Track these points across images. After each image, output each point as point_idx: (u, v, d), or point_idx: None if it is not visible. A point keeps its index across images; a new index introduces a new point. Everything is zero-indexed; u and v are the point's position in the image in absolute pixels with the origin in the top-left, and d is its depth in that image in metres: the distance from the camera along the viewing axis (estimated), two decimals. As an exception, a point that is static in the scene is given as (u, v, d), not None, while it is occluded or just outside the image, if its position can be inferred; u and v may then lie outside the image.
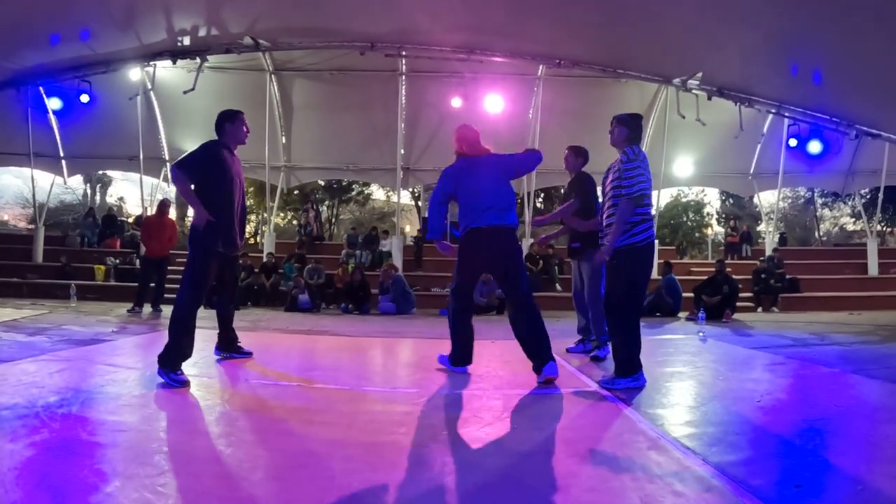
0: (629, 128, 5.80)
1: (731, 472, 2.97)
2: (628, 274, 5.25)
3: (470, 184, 5.88)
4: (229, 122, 5.94)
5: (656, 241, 19.08)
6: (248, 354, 6.41)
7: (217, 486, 2.76)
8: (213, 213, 5.49)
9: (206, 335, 6.94)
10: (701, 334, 9.20)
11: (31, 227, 24.29)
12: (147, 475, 2.80)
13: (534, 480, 2.85)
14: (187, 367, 5.17)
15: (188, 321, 5.26)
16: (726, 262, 16.56)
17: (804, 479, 2.95)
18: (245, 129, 6.04)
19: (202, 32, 15.27)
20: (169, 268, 12.77)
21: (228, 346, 6.34)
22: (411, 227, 33.89)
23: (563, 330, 8.41)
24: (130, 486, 2.68)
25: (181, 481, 2.78)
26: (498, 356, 7.06)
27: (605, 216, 5.53)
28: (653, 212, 6.49)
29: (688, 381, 5.58)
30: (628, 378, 5.12)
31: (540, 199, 32.14)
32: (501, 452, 3.29)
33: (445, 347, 7.32)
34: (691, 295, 13.67)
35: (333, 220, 39.38)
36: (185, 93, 16.63)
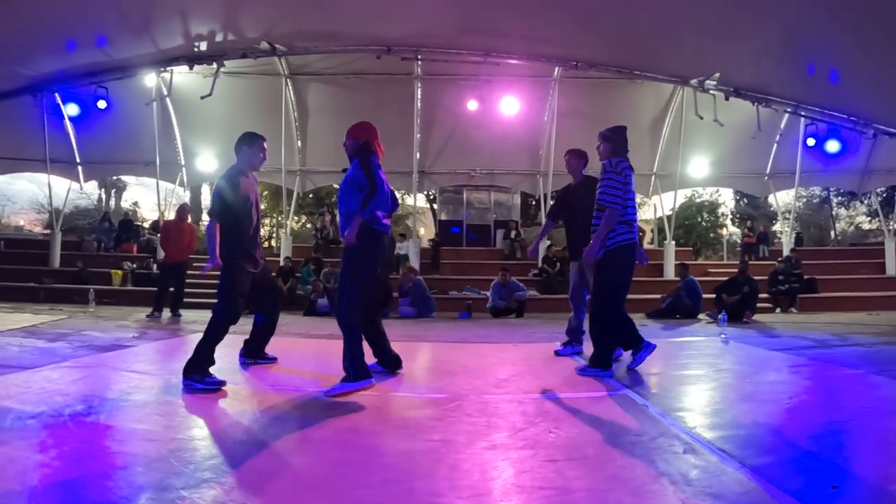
0: (612, 142, 6.29)
1: (767, 473, 2.97)
2: (604, 274, 5.98)
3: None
4: (247, 146, 5.95)
5: (672, 243, 19.26)
6: (273, 360, 6.42)
7: (254, 495, 2.75)
8: (236, 238, 5.59)
9: (228, 340, 6.96)
10: (723, 336, 9.17)
11: (46, 231, 24.42)
12: (182, 486, 2.80)
13: (575, 485, 2.85)
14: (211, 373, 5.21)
15: (222, 333, 5.32)
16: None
17: (839, 480, 2.95)
18: (262, 156, 6.03)
19: (219, 38, 15.30)
20: (188, 272, 12.79)
21: (254, 353, 6.34)
22: (426, 231, 33.84)
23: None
24: (165, 497, 2.68)
25: (217, 492, 2.77)
26: (522, 360, 7.06)
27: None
28: (643, 215, 6.56)
29: (714, 384, 5.58)
30: (599, 370, 5.89)
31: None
32: (539, 458, 3.27)
33: (469, 351, 7.32)
34: (711, 296, 13.61)
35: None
36: (202, 98, 16.65)
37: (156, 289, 13.06)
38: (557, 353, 7.41)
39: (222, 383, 4.96)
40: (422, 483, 2.90)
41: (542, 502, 2.65)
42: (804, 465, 3.22)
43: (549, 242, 18.88)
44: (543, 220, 20.01)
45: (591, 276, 6.89)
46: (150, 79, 17.62)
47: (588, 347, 7.07)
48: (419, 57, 16.75)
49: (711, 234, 41.36)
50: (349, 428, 3.95)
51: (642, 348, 6.06)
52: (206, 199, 34.53)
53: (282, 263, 17.10)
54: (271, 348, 6.61)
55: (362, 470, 3.10)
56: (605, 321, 5.99)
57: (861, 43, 12.43)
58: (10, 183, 32.88)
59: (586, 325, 7.07)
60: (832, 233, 39.74)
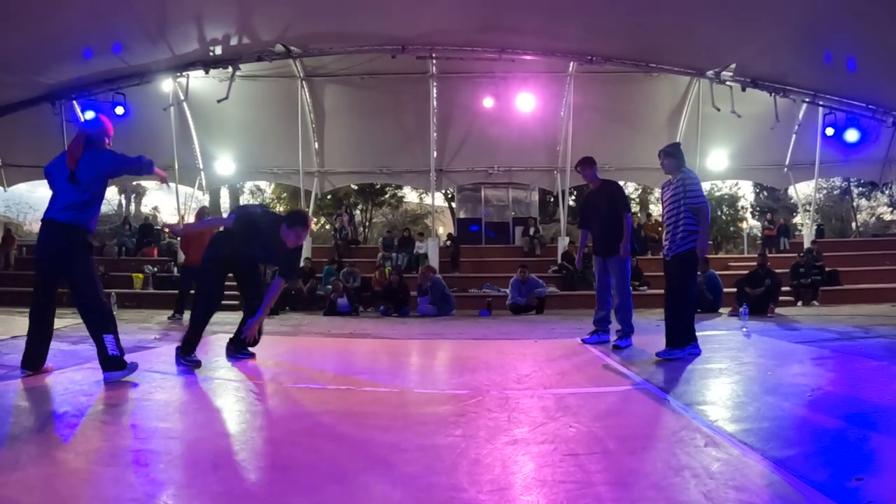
0: (675, 157, 6.92)
1: (790, 466, 2.94)
2: (689, 270, 6.74)
3: None
4: (286, 224, 6.13)
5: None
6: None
7: (278, 492, 2.75)
8: None
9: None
10: (744, 329, 9.14)
11: (68, 237, 24.60)
12: (204, 483, 2.81)
13: (597, 479, 2.84)
14: (232, 372, 5.24)
15: None
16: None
17: (863, 471, 2.91)
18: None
19: (234, 41, 15.36)
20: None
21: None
22: (445, 229, 33.85)
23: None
24: (186, 493, 2.69)
25: (240, 488, 2.78)
26: (543, 355, 7.04)
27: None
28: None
29: (736, 377, 5.53)
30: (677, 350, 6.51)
31: (573, 196, 31.98)
32: (560, 452, 3.26)
33: (490, 348, 7.31)
34: (733, 290, 13.53)
35: (367, 223, 39.45)
36: (218, 101, 16.74)
37: (176, 291, 13.11)
38: (584, 342, 7.92)
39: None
40: (443, 478, 2.89)
41: (563, 496, 2.63)
42: (828, 457, 3.19)
43: (568, 239, 18.85)
44: (562, 217, 20.11)
45: (615, 270, 7.78)
46: (166, 84, 17.75)
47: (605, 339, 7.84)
48: (434, 55, 16.77)
49: (731, 228, 41.09)
50: (370, 424, 3.96)
51: (694, 346, 6.65)
52: (224, 202, 34.76)
53: (301, 264, 17.14)
54: (293, 347, 6.67)
55: (384, 465, 3.10)
56: (684, 309, 6.66)
57: (878, 29, 12.33)
58: (32, 191, 33.09)
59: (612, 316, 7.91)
60: (853, 224, 39.35)
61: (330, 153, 20.60)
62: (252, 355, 6.57)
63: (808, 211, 22.11)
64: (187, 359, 6.01)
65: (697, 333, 6.70)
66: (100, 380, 5.26)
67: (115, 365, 5.19)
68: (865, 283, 17.06)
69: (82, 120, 17.25)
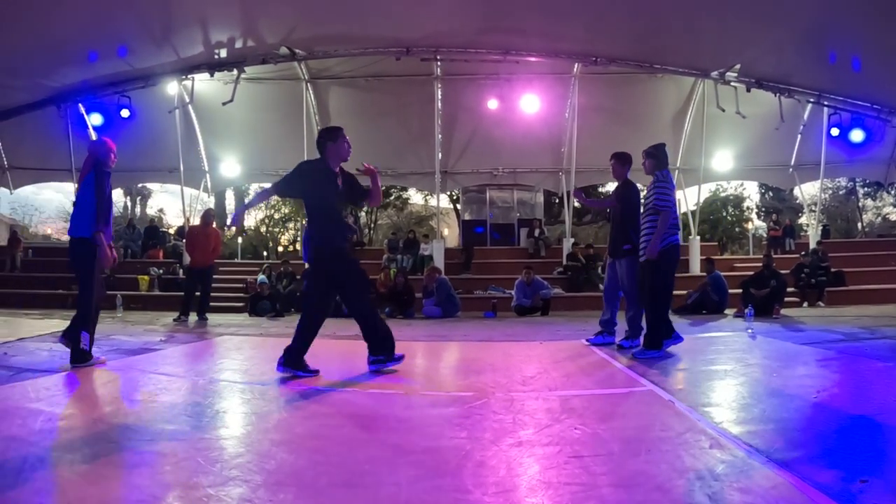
0: (655, 157, 7.12)
1: (795, 468, 2.93)
2: (662, 270, 6.83)
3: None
4: (331, 141, 6.02)
5: (697, 239, 19.14)
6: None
7: (280, 493, 2.74)
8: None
9: (254, 342, 6.97)
10: (750, 331, 9.12)
11: (74, 239, 24.68)
12: (209, 485, 2.80)
13: (601, 481, 2.84)
14: (238, 374, 5.24)
15: None
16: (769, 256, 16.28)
17: (869, 473, 2.90)
18: (347, 146, 6.13)
19: (238, 44, 15.42)
20: (213, 276, 12.87)
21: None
22: (450, 231, 33.83)
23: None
24: (192, 495, 2.68)
25: (243, 490, 2.77)
26: (548, 357, 7.04)
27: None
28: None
29: (742, 379, 5.51)
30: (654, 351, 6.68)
31: (577, 199, 31.89)
32: (565, 454, 3.25)
33: (495, 349, 7.31)
34: (738, 291, 13.50)
35: (372, 225, 39.48)
36: (223, 104, 16.78)
37: (182, 293, 13.16)
38: (589, 342, 8.00)
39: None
40: (448, 480, 2.89)
41: (567, 498, 2.63)
42: (833, 459, 3.17)
43: (572, 240, 18.86)
44: (567, 219, 20.16)
45: (624, 272, 7.77)
46: (172, 87, 17.82)
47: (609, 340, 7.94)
48: (438, 57, 16.81)
49: (737, 229, 41.07)
50: (376, 426, 3.97)
51: (672, 338, 6.94)
52: (230, 204, 34.80)
53: (307, 266, 17.16)
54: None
55: (389, 467, 3.10)
56: (659, 309, 6.81)
57: (883, 28, 12.33)
58: (37, 193, 33.37)
59: (618, 318, 8.04)
60: (859, 224, 39.31)
61: (334, 155, 20.51)
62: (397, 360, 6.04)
63: (814, 211, 22.04)
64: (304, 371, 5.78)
65: (702, 335, 6.81)
66: (105, 381, 5.31)
67: (82, 358, 6.03)
68: (871, 284, 16.97)
69: (88, 122, 17.36)
